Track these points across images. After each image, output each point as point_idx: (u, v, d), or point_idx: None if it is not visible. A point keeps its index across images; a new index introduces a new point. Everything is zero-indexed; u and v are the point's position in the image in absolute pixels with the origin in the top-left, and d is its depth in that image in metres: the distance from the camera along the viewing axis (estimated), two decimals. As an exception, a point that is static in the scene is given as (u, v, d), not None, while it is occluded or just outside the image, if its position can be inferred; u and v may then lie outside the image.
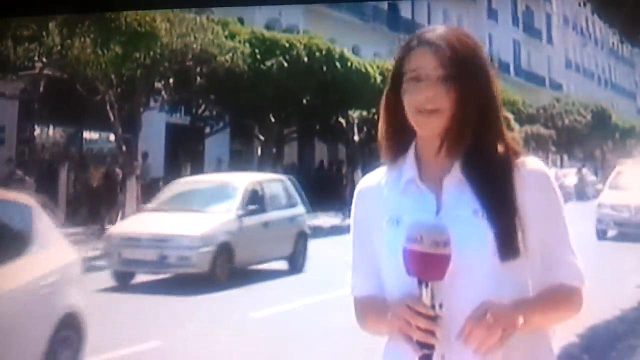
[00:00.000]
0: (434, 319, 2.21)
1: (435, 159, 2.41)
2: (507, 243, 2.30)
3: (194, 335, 9.98)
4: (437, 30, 2.42)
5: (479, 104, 2.37)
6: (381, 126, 2.50)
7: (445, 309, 2.23)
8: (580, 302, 2.42)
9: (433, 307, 2.22)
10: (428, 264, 2.20)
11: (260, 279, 13.98)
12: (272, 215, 15.01)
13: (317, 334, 9.78)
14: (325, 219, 20.19)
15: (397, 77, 2.42)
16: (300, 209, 15.88)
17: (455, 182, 2.38)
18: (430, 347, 2.21)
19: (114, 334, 9.50)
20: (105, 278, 13.09)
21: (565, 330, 2.50)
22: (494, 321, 2.21)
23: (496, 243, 2.29)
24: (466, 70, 2.36)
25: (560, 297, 2.39)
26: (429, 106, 2.33)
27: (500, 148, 2.40)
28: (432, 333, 2.20)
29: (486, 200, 2.33)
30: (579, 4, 15.16)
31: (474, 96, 2.36)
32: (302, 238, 15.25)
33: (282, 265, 14.65)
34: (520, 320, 2.25)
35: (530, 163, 2.41)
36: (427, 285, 2.22)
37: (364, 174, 2.64)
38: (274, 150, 22.53)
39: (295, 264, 14.77)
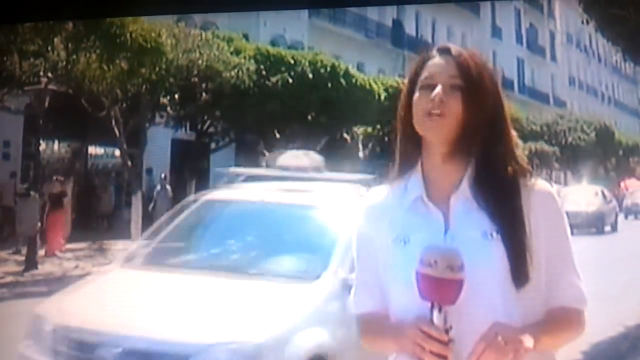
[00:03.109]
0: (446, 343, 2.20)
1: (441, 175, 2.39)
2: (520, 267, 2.29)
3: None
4: (452, 45, 2.45)
5: (488, 115, 2.37)
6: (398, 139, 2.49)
7: (454, 331, 2.22)
8: (582, 324, 2.42)
9: (446, 331, 2.20)
10: (442, 288, 2.19)
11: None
12: None
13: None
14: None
15: (411, 86, 2.43)
16: None
17: (462, 200, 2.36)
18: None
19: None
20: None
21: (569, 348, 2.51)
22: (505, 343, 2.20)
23: (510, 267, 2.29)
24: (480, 82, 2.38)
25: (564, 320, 2.39)
26: (437, 110, 2.32)
27: (509, 167, 2.38)
28: (444, 357, 2.19)
29: (499, 223, 2.31)
30: (583, 22, 15.16)
31: (483, 107, 2.36)
32: None
33: None
34: (530, 343, 2.24)
35: (536, 183, 2.41)
36: (440, 310, 2.20)
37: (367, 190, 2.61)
38: (279, 166, 22.44)
39: None
